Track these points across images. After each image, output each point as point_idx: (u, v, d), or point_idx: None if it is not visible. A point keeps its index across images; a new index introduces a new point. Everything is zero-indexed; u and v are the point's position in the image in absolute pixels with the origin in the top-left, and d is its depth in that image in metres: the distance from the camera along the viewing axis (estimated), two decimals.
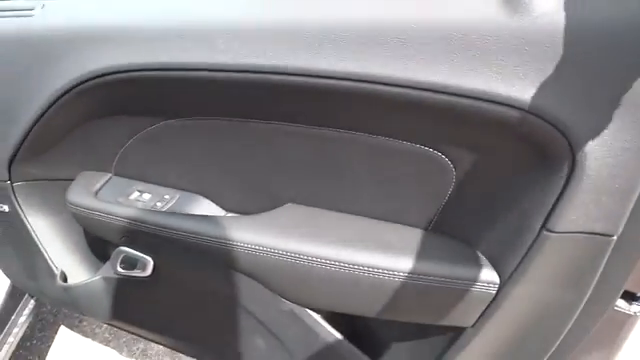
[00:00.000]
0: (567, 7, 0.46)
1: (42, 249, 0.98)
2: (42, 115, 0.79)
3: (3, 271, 1.15)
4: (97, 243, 1.01)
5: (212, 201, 0.82)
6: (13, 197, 0.94)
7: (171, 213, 0.78)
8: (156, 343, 1.00)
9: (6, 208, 0.97)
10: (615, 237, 0.51)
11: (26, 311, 1.29)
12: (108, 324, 1.03)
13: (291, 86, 0.61)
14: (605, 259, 0.53)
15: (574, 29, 0.46)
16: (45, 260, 0.98)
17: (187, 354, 0.92)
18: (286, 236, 0.69)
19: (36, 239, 0.97)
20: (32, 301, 1.32)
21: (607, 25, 0.45)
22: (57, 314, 1.63)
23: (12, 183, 0.93)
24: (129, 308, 0.92)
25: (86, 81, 0.73)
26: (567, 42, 0.46)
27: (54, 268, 0.99)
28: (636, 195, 0.48)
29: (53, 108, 0.78)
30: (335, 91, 0.58)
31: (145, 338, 0.99)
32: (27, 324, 1.28)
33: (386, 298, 0.64)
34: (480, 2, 0.49)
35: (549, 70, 0.47)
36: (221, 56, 0.63)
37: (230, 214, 0.81)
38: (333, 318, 0.73)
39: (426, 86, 0.51)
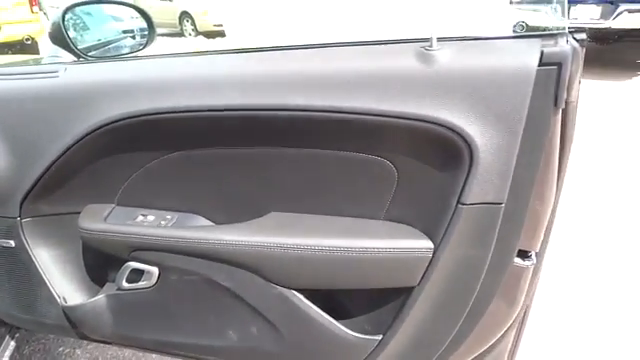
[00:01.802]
0: (460, 60, 0.74)
1: (45, 278, 1.09)
2: (60, 157, 0.96)
3: None
4: (94, 270, 1.14)
5: (207, 218, 1.00)
6: (21, 232, 1.07)
7: (175, 227, 0.96)
8: (156, 353, 1.12)
9: (12, 243, 1.08)
10: (503, 205, 0.76)
11: (7, 352, 1.35)
12: (108, 342, 1.14)
13: (273, 118, 0.83)
14: (499, 222, 0.77)
15: (466, 72, 0.73)
16: (47, 288, 1.09)
17: (188, 354, 1.05)
18: (272, 233, 0.89)
19: (40, 270, 1.09)
20: (12, 342, 1.38)
21: (487, 69, 0.72)
22: None
23: (21, 219, 1.06)
24: (132, 320, 1.05)
25: (102, 126, 0.91)
26: (463, 80, 0.73)
27: (56, 295, 1.10)
28: (511, 173, 0.74)
29: (71, 150, 0.95)
30: (307, 120, 0.81)
31: (146, 349, 1.11)
32: None
33: (353, 271, 0.86)
34: (405, 56, 0.76)
35: (454, 98, 0.73)
36: (217, 99, 0.85)
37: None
38: (311, 296, 0.92)
39: (374, 112, 0.76)
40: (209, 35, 9.84)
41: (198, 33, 10.26)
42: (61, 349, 1.68)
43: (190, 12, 10.44)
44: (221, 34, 9.69)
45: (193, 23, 10.44)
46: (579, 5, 5.56)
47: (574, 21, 5.43)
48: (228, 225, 0.95)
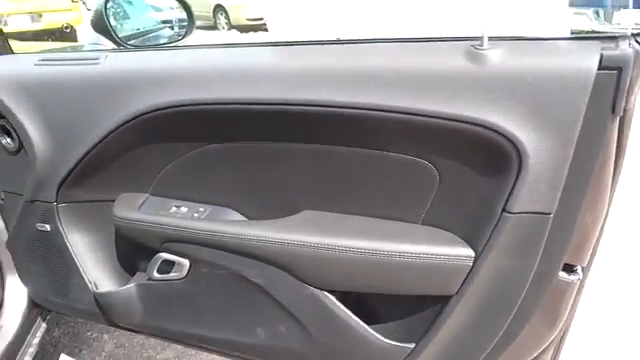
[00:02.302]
0: (512, 60, 0.70)
1: (78, 264, 1.10)
2: (98, 144, 0.96)
3: (30, 289, 1.25)
4: (126, 258, 1.15)
5: (240, 212, 0.99)
6: (57, 217, 1.08)
7: (208, 220, 0.95)
8: (183, 344, 1.12)
9: (48, 227, 1.10)
10: (552, 215, 0.72)
11: (39, 333, 1.38)
12: (135, 331, 1.15)
13: (310, 114, 0.81)
14: (546, 233, 0.73)
15: (519, 74, 0.69)
16: (80, 274, 1.11)
17: (215, 348, 1.05)
18: (305, 231, 0.87)
19: (73, 255, 1.10)
20: (43, 324, 1.40)
21: (542, 72, 0.68)
22: (57, 344, 1.69)
23: (57, 204, 1.07)
24: (161, 311, 1.05)
25: (140, 115, 0.91)
26: (515, 82, 0.69)
27: (88, 281, 1.11)
28: (562, 183, 0.70)
29: (109, 138, 0.95)
30: (347, 118, 0.79)
31: (174, 340, 1.11)
32: (40, 345, 1.36)
33: (388, 275, 0.83)
34: (454, 55, 0.73)
35: (505, 101, 0.70)
36: (255, 92, 0.84)
37: None
38: (343, 298, 0.90)
39: (419, 112, 0.73)
40: (242, 29, 9.90)
41: (232, 27, 10.34)
42: (89, 333, 1.71)
43: (224, 5, 10.51)
44: (254, 28, 9.75)
45: (227, 16, 10.52)
46: (622, 10, 5.35)
47: (616, 26, 5.23)
48: (261, 221, 0.93)
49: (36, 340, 1.35)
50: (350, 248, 0.82)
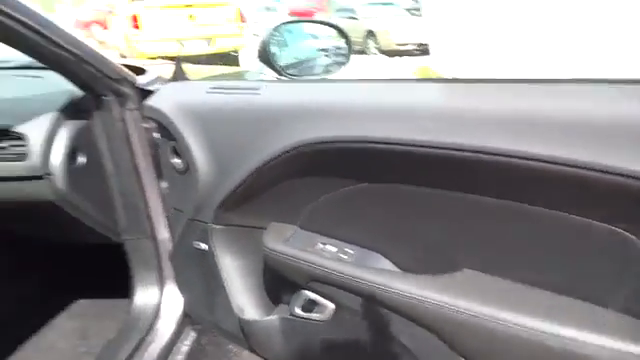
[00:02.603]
0: None
1: (226, 287, 1.14)
2: (253, 172, 0.97)
3: (185, 301, 1.34)
4: (271, 287, 1.15)
5: (388, 259, 0.91)
6: (212, 238, 1.13)
7: (357, 264, 0.89)
8: None
9: (204, 246, 1.15)
10: None
11: (187, 341, 1.47)
12: None
13: (483, 164, 0.70)
14: None
15: None
16: (227, 297, 1.14)
17: None
18: (466, 295, 0.75)
19: (223, 277, 1.14)
20: (192, 333, 1.49)
21: None
22: (202, 351, 1.79)
23: (214, 226, 1.12)
24: (300, 349, 1.02)
25: (297, 148, 0.89)
26: None
27: (234, 305, 1.13)
28: None
29: (263, 168, 0.95)
30: (523, 170, 0.66)
31: None
32: (188, 353, 1.45)
33: None
34: None
35: None
36: (418, 133, 0.75)
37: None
38: None
39: (612, 171, 0.58)
40: (390, 54, 9.99)
41: (382, 51, 10.50)
42: (230, 346, 1.78)
43: (374, 31, 10.74)
44: (400, 53, 9.78)
45: (376, 41, 10.72)
46: None
47: None
48: (414, 275, 0.84)
49: (185, 348, 1.44)
50: (521, 325, 0.68)
